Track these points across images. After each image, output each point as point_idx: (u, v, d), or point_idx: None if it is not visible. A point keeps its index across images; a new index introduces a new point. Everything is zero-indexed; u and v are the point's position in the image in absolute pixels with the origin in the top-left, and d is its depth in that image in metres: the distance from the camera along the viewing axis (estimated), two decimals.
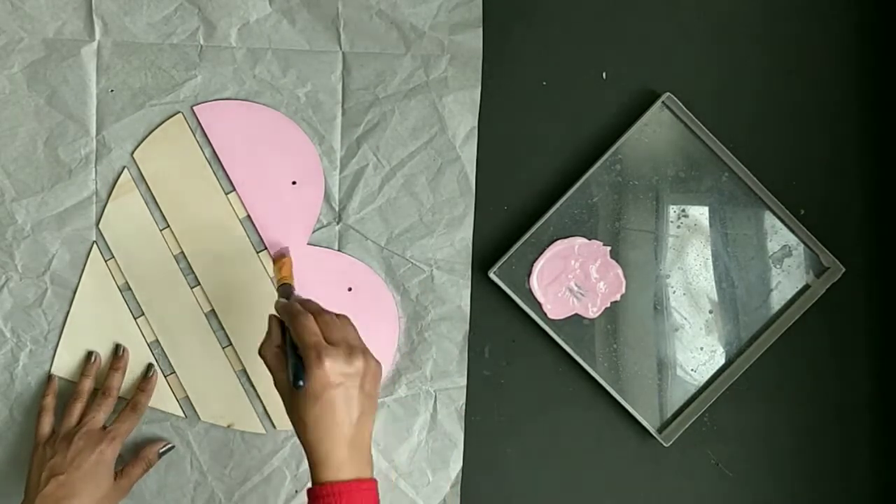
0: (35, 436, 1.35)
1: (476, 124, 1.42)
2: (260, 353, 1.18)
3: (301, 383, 1.09)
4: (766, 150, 1.44)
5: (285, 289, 1.28)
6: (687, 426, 1.41)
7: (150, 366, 1.40)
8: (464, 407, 1.42)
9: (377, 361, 1.16)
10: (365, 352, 1.15)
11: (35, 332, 1.39)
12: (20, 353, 1.39)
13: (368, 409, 1.14)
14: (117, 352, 1.39)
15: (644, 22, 1.44)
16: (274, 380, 1.16)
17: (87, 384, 1.37)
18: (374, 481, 1.14)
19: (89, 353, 1.39)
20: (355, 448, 1.12)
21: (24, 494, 1.29)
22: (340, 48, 1.41)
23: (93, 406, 1.35)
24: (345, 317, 1.19)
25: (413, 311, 1.42)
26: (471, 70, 1.42)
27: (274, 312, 1.20)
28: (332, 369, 1.09)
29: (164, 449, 1.38)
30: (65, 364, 1.39)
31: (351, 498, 1.10)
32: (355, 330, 1.18)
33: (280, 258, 1.35)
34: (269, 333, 1.19)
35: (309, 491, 1.12)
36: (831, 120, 1.46)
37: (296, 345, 1.13)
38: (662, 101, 1.41)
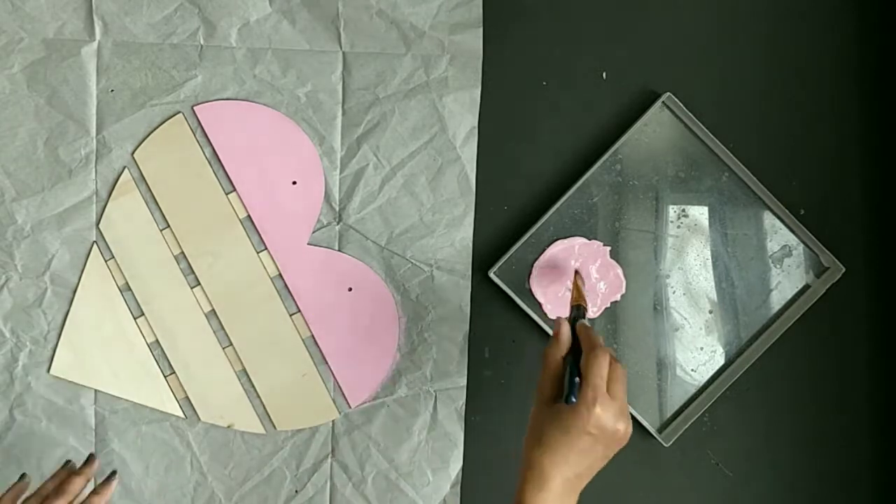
0: None
1: (476, 124, 1.41)
2: (545, 352, 1.16)
3: (573, 399, 1.10)
4: (766, 150, 1.44)
5: (579, 311, 1.27)
6: (687, 426, 1.41)
7: (114, 472, 1.33)
8: (464, 407, 1.41)
9: (628, 435, 1.14)
10: (629, 422, 1.13)
11: (35, 333, 1.38)
12: (20, 354, 1.38)
13: (592, 472, 1.14)
14: (88, 459, 1.32)
15: (644, 22, 1.44)
16: (542, 382, 1.16)
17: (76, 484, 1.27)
18: None
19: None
20: (566, 495, 1.12)
21: None
22: (340, 48, 1.40)
23: None
24: (625, 371, 1.15)
25: (413, 311, 1.42)
26: (471, 70, 1.41)
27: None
28: (597, 421, 1.08)
29: None
30: (64, 365, 1.38)
31: None
32: (626, 396, 1.15)
33: (577, 277, 1.37)
34: (559, 339, 1.17)
35: None
36: (831, 120, 1.45)
37: (577, 366, 1.13)
38: (662, 101, 1.41)
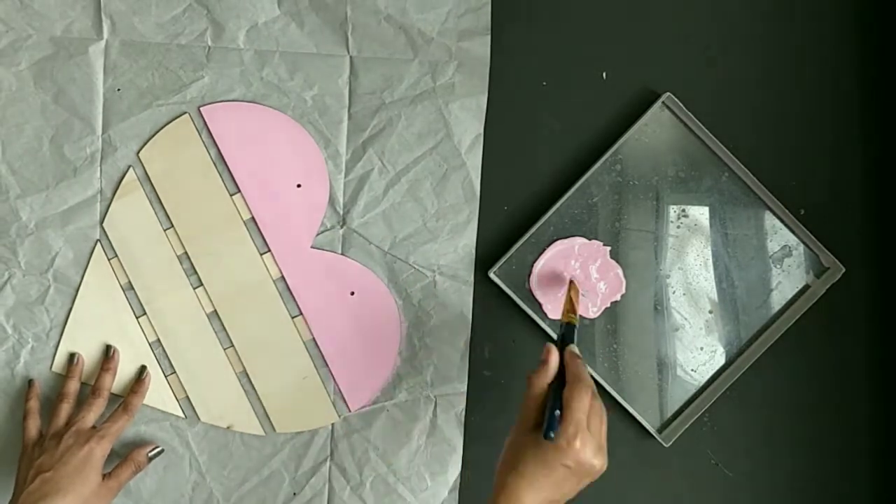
0: (23, 439, 1.32)
1: (482, 131, 1.40)
2: (530, 378, 1.16)
3: (552, 435, 1.09)
4: (766, 150, 1.42)
5: (569, 329, 1.26)
6: (687, 426, 1.39)
7: (143, 367, 1.37)
8: (464, 413, 1.39)
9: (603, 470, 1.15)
10: (605, 458, 1.13)
11: (37, 330, 1.37)
12: (21, 350, 1.37)
13: (564, 501, 1.14)
14: (108, 353, 1.37)
15: (644, 22, 1.43)
16: (524, 407, 1.16)
17: (72, 385, 1.35)
18: None
19: (72, 355, 1.36)
20: None
21: (11, 495, 1.27)
22: (348, 52, 1.39)
23: (83, 406, 1.32)
24: (604, 408, 1.17)
25: (415, 316, 1.40)
26: (478, 77, 1.40)
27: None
28: (577, 455, 1.09)
29: (153, 452, 1.35)
30: (66, 362, 1.37)
31: None
32: (605, 436, 1.17)
33: (572, 288, 1.36)
34: (546, 365, 1.17)
35: None
36: (831, 120, 1.44)
37: (560, 395, 1.13)
38: (662, 101, 1.39)
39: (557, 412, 1.10)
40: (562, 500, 1.12)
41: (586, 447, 1.09)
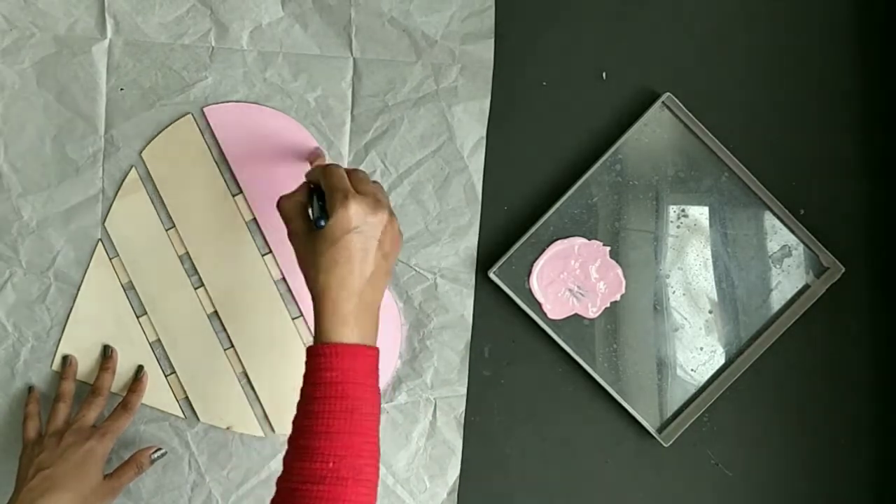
0: (23, 440, 1.31)
1: (484, 134, 1.39)
2: (278, 203, 1.17)
3: (323, 223, 1.09)
4: (766, 150, 1.41)
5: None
6: (687, 426, 1.37)
7: (140, 367, 1.36)
8: (463, 415, 1.38)
9: (400, 230, 1.16)
10: (391, 211, 1.13)
11: (37, 328, 1.35)
12: (21, 349, 1.35)
13: (383, 271, 1.13)
14: (106, 352, 1.36)
15: (644, 22, 1.42)
16: (288, 229, 1.15)
17: (67, 386, 1.34)
18: (377, 349, 1.13)
19: (65, 357, 1.35)
20: (364, 307, 1.11)
21: (12, 493, 1.25)
22: (351, 54, 1.38)
23: (83, 405, 1.32)
24: (378, 183, 1.19)
25: (416, 318, 1.39)
26: (481, 80, 1.39)
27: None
28: (356, 213, 1.08)
29: (156, 455, 1.33)
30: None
31: (353, 360, 1.09)
32: (386, 195, 1.16)
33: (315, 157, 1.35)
34: (296, 190, 1.17)
35: (309, 349, 1.10)
36: (831, 120, 1.43)
37: (323, 194, 1.13)
38: (662, 101, 1.38)
39: (318, 202, 1.13)
40: (376, 279, 1.11)
41: (361, 204, 1.08)
